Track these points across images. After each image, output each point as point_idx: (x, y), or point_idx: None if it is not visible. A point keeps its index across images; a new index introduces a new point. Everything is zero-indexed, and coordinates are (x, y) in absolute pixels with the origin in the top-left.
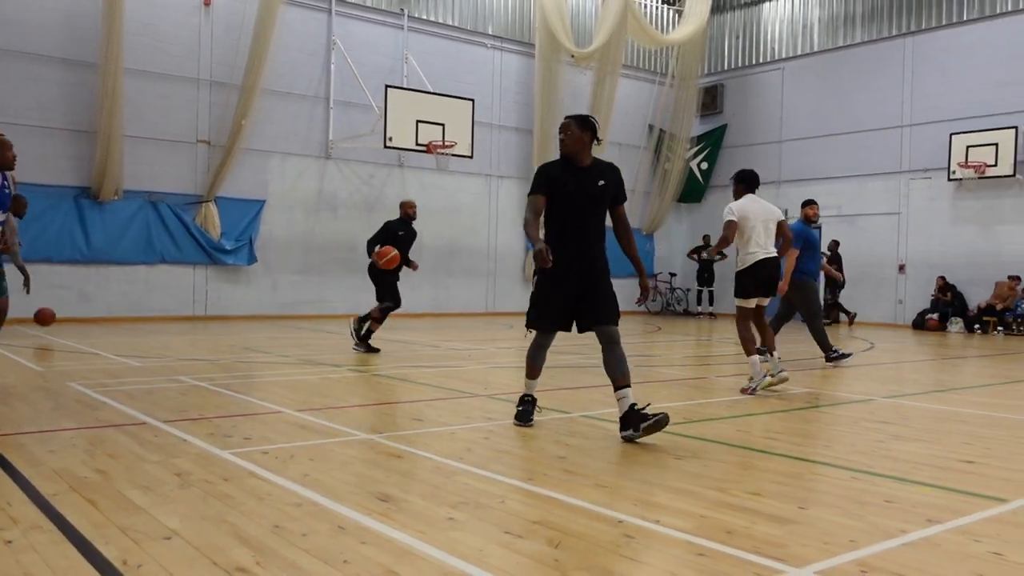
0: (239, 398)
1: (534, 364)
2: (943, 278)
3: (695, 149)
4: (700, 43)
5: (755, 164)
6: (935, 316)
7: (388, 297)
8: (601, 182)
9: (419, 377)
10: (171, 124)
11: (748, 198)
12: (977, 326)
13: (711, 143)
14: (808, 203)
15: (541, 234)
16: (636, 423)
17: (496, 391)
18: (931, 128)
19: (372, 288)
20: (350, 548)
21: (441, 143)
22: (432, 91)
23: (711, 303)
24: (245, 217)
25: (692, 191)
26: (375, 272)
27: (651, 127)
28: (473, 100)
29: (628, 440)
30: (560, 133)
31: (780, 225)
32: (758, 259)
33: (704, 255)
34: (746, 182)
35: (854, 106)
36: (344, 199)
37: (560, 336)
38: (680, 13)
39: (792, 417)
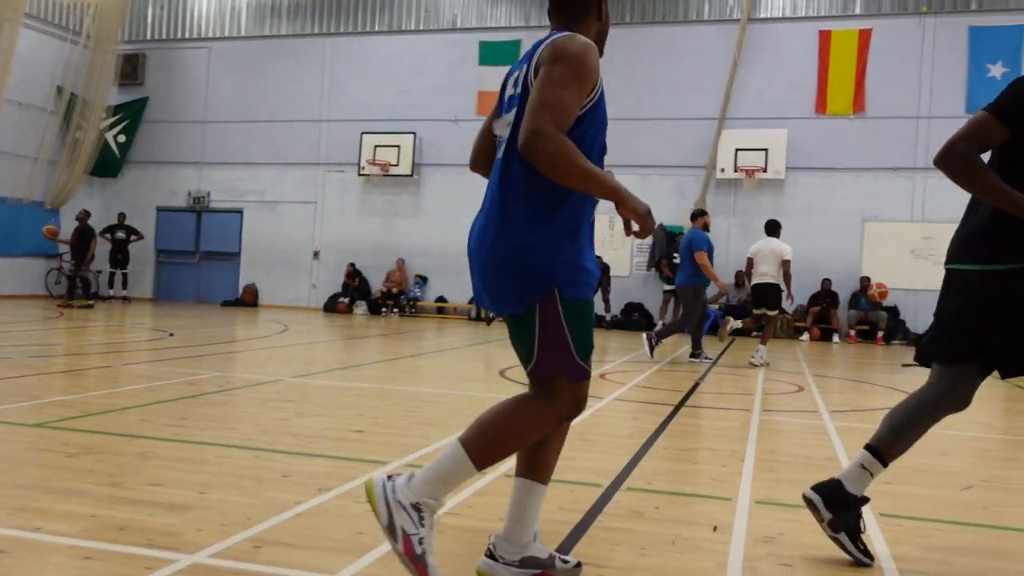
0: None
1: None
2: (352, 264)
3: (112, 120)
4: (120, 6)
5: (179, 143)
6: (345, 299)
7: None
8: None
9: None
10: None
11: (764, 240)
12: (384, 310)
13: (131, 115)
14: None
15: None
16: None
17: None
18: (345, 125)
19: None
20: None
21: None
22: None
23: (124, 286)
24: None
25: (107, 164)
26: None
27: (60, 89)
28: None
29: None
30: None
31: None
32: (754, 283)
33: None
34: (765, 228)
35: (278, 96)
36: None
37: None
38: None
39: (201, 402)
